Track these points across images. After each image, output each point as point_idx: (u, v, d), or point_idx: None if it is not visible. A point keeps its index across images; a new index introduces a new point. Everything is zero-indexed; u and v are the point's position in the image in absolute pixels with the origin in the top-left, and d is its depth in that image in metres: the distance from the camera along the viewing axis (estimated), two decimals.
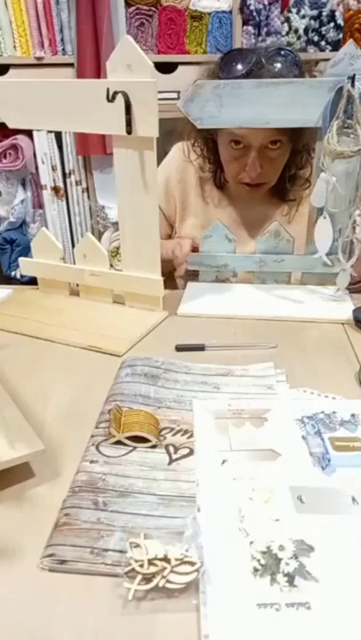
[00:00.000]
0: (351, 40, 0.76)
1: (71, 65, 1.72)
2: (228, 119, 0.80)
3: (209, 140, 0.97)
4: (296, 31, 1.67)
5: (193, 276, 0.95)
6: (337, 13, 1.65)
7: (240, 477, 0.48)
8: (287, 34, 1.68)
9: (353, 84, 0.73)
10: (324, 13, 1.65)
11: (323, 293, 0.87)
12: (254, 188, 0.96)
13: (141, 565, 0.38)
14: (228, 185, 1.03)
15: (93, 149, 1.80)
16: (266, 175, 0.94)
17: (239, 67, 0.84)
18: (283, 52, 0.86)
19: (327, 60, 0.76)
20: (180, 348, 0.71)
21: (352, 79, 0.72)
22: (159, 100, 0.71)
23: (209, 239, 0.89)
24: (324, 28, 1.66)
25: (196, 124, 0.81)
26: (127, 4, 1.68)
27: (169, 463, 0.50)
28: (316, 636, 0.35)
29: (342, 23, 1.66)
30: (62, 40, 1.72)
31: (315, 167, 0.83)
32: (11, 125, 0.82)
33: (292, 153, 0.93)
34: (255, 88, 0.77)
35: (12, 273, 1.90)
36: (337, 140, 0.74)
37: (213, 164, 1.01)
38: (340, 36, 1.67)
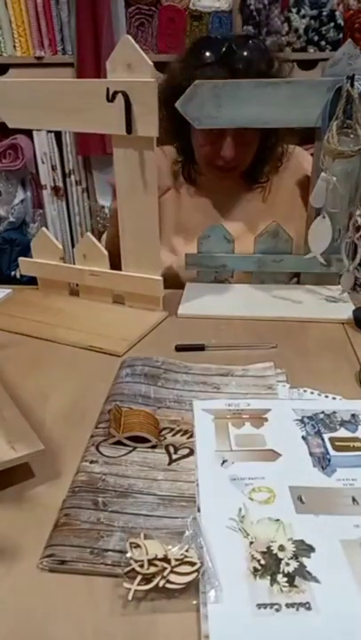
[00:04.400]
0: (350, 40, 0.76)
1: (71, 65, 1.73)
2: (226, 119, 0.79)
3: (181, 128, 0.93)
4: (296, 31, 1.67)
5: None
6: (337, 13, 1.65)
7: (240, 477, 0.48)
8: (287, 33, 1.68)
9: (352, 85, 0.73)
10: (325, 13, 1.65)
11: (322, 293, 0.87)
12: (228, 173, 0.95)
13: (141, 566, 0.38)
14: (199, 178, 1.02)
15: (93, 149, 1.80)
16: (240, 158, 0.93)
17: (208, 54, 0.85)
18: (251, 40, 0.87)
19: (327, 59, 0.76)
20: (180, 348, 0.71)
21: (351, 79, 0.72)
22: None
23: (207, 239, 0.89)
24: (324, 28, 1.66)
25: (195, 125, 0.81)
26: (127, 4, 1.68)
27: (169, 463, 0.50)
28: (316, 637, 0.35)
29: (342, 23, 1.66)
30: (62, 40, 1.72)
31: (315, 165, 0.83)
32: (10, 125, 0.82)
33: (263, 136, 0.93)
34: (254, 88, 0.77)
35: (12, 273, 1.90)
36: (337, 139, 0.74)
37: (183, 154, 0.99)
38: (341, 35, 1.68)
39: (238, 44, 0.85)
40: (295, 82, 0.77)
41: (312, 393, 0.61)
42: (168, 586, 0.38)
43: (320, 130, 0.78)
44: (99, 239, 0.93)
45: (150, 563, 0.38)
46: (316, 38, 1.68)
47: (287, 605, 0.37)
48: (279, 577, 0.38)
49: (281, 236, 0.87)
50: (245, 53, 0.84)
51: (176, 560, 0.38)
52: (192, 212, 1.01)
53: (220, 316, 0.81)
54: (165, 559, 0.38)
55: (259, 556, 0.40)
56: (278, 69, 0.88)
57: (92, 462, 0.50)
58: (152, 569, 0.38)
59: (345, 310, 0.81)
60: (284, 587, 0.38)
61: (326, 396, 0.60)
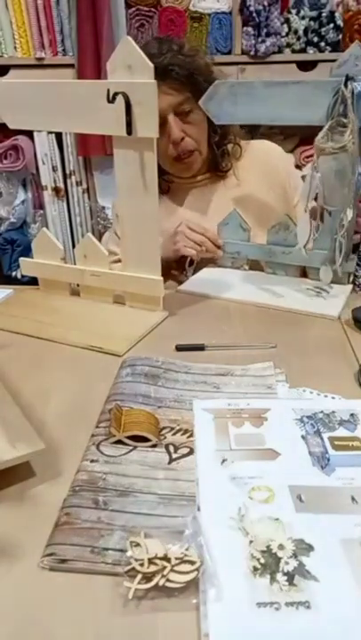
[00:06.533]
0: (357, 41, 0.78)
1: (72, 66, 1.73)
2: (242, 116, 0.85)
3: None
4: (296, 32, 1.67)
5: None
6: (336, 14, 1.65)
7: (240, 477, 0.48)
8: (287, 35, 1.68)
9: (346, 85, 0.74)
10: (324, 14, 1.65)
11: (323, 289, 0.89)
12: (187, 160, 1.01)
13: (142, 564, 0.38)
14: (170, 186, 1.08)
15: (94, 150, 1.80)
16: (190, 142, 0.99)
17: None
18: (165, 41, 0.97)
19: (326, 60, 0.77)
20: (180, 348, 0.71)
21: (345, 79, 0.73)
22: None
23: (226, 227, 0.95)
24: (323, 29, 1.66)
25: (214, 121, 0.87)
26: (127, 5, 1.68)
27: (169, 462, 0.50)
28: (315, 635, 0.35)
29: (342, 24, 1.67)
30: (63, 41, 1.72)
31: None
32: (11, 126, 0.82)
33: (210, 123, 0.98)
34: (266, 87, 0.81)
35: (13, 273, 1.91)
36: (330, 137, 0.76)
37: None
38: (340, 36, 1.68)
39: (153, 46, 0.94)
40: (303, 82, 0.80)
41: (311, 392, 0.61)
42: (168, 584, 0.38)
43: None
44: (99, 239, 0.93)
45: (150, 561, 0.38)
46: (315, 39, 1.68)
47: (287, 604, 0.37)
48: (279, 576, 0.39)
49: (291, 229, 0.89)
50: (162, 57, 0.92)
51: (176, 559, 0.38)
52: (168, 218, 1.03)
53: (215, 297, 0.87)
54: (165, 558, 0.38)
55: (258, 555, 0.40)
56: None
57: (92, 461, 0.50)
58: (152, 568, 0.38)
59: (336, 307, 0.82)
60: (284, 585, 0.38)
61: (325, 396, 0.60)
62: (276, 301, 0.85)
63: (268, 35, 1.67)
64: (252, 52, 1.69)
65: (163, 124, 0.94)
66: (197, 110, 0.96)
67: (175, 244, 0.96)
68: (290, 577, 0.38)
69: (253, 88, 0.82)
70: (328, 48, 1.68)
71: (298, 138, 1.81)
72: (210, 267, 1.00)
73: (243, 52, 1.70)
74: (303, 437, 0.53)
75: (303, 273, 0.95)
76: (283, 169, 1.08)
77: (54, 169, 1.86)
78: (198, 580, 0.38)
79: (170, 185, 1.08)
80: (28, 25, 1.69)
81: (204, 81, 0.93)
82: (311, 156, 1.71)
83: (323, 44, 1.68)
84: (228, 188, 1.06)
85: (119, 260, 0.88)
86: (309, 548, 0.41)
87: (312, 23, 1.66)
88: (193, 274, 0.99)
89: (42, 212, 1.92)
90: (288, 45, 1.70)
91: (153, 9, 1.69)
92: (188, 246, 0.95)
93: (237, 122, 0.88)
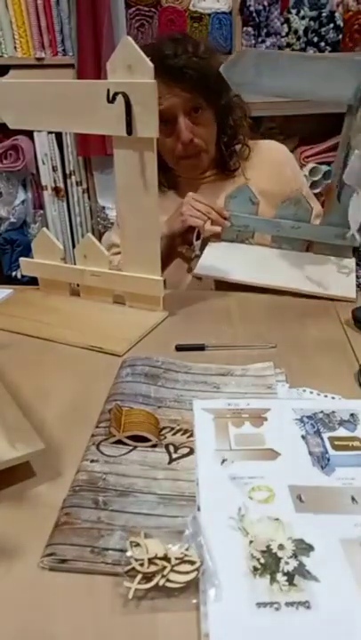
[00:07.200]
0: None
1: (72, 66, 1.73)
2: (264, 87, 0.82)
3: None
4: (296, 32, 1.67)
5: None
6: (336, 14, 1.65)
7: (240, 477, 0.48)
8: (287, 35, 1.68)
9: None
10: (324, 14, 1.65)
11: (335, 266, 0.90)
12: (195, 160, 1.01)
13: (142, 564, 0.38)
14: (178, 181, 1.08)
15: (94, 150, 1.80)
16: (199, 143, 0.99)
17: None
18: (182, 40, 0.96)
19: None
20: (180, 348, 0.71)
21: None
22: None
23: (234, 199, 0.95)
24: (323, 29, 1.66)
25: (236, 90, 0.86)
26: (127, 5, 1.68)
27: (169, 462, 0.51)
28: (315, 635, 0.35)
29: (342, 24, 1.66)
30: (62, 41, 1.72)
31: (343, 142, 0.83)
32: (11, 126, 0.82)
33: (220, 124, 1.01)
34: (292, 60, 0.80)
35: (13, 273, 1.91)
36: None
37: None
38: (340, 37, 1.68)
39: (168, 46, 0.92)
40: (331, 58, 0.80)
41: (311, 392, 0.61)
42: (168, 585, 0.38)
43: (352, 107, 0.79)
44: (99, 239, 0.93)
45: (150, 561, 0.38)
46: (315, 39, 1.68)
47: (287, 604, 0.37)
48: (279, 576, 0.39)
49: (302, 204, 0.90)
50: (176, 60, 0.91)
51: (176, 559, 0.38)
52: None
53: (231, 281, 0.88)
54: (165, 558, 0.39)
55: (258, 555, 0.40)
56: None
57: (92, 461, 0.50)
58: (152, 568, 0.38)
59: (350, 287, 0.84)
60: (284, 585, 0.38)
61: (326, 396, 0.60)
62: (292, 284, 0.85)
63: (268, 35, 1.67)
64: None
65: (173, 122, 0.95)
66: (208, 111, 0.97)
67: (182, 214, 0.95)
68: (290, 577, 0.39)
69: (279, 59, 0.79)
70: (328, 48, 1.68)
71: (298, 138, 1.81)
72: (213, 241, 0.98)
73: None
74: (303, 437, 0.53)
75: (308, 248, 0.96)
76: (289, 168, 1.09)
77: (54, 169, 1.86)
78: (198, 580, 0.38)
79: (177, 180, 1.08)
80: (28, 25, 1.69)
81: (216, 82, 0.92)
82: (311, 156, 1.71)
83: (323, 44, 1.68)
84: (236, 185, 1.06)
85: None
86: (309, 547, 0.41)
87: (312, 23, 1.66)
88: (201, 249, 0.97)
89: (42, 212, 1.93)
90: (288, 45, 1.70)
91: (153, 9, 1.69)
92: (195, 216, 0.95)
93: (260, 93, 0.85)
